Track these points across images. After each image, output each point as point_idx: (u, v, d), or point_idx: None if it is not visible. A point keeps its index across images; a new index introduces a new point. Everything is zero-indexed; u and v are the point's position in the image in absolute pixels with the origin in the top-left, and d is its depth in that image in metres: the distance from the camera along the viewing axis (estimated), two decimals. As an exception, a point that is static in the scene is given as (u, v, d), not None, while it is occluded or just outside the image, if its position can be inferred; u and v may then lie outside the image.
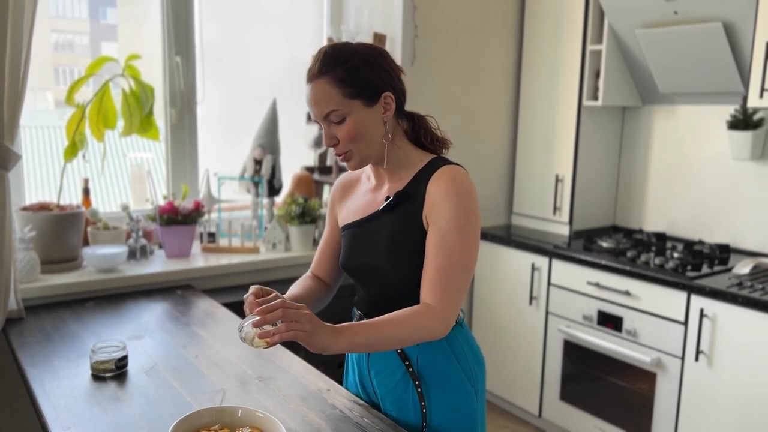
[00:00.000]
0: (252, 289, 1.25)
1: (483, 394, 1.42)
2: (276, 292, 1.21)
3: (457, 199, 1.26)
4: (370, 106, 1.28)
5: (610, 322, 2.64)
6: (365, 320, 1.24)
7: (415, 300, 1.30)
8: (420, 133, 1.38)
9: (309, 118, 2.96)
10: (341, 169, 2.89)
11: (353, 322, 1.22)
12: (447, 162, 1.33)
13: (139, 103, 2.35)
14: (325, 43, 3.00)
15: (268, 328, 1.11)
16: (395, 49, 2.86)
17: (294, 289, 1.46)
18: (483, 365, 1.43)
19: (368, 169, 1.43)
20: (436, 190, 1.28)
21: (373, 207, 1.38)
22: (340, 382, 1.57)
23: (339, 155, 1.32)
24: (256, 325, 1.11)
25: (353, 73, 1.25)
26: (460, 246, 1.25)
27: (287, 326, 1.10)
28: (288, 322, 1.11)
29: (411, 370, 1.35)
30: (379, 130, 1.30)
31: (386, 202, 1.33)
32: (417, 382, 1.35)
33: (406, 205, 1.32)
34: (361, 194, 1.44)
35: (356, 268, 1.40)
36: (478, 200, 1.31)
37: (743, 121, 2.66)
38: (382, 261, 1.33)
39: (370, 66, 1.27)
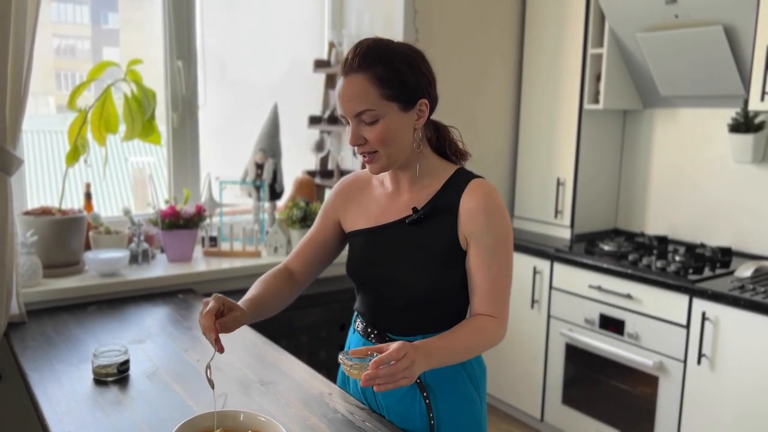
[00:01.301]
0: (212, 303, 1.21)
1: (485, 399, 1.41)
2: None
3: (498, 214, 1.27)
4: (406, 111, 1.25)
5: (612, 325, 2.64)
6: (442, 335, 1.24)
7: (420, 312, 1.30)
8: (444, 143, 1.37)
9: (310, 121, 2.96)
10: (342, 173, 2.89)
11: (434, 340, 1.22)
12: (472, 174, 1.32)
13: (141, 108, 2.35)
14: (326, 47, 3.01)
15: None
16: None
17: (258, 289, 1.37)
18: (485, 370, 1.43)
19: (383, 174, 1.39)
20: (475, 206, 1.27)
21: (392, 214, 1.34)
22: (338, 373, 1.56)
23: (363, 155, 1.27)
24: (365, 377, 1.10)
25: (395, 74, 1.21)
26: (506, 258, 1.29)
27: (395, 382, 1.10)
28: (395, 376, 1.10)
29: (419, 380, 1.33)
30: (409, 136, 1.27)
31: (416, 214, 1.30)
32: (425, 394, 1.33)
33: (437, 217, 1.29)
34: (373, 199, 1.40)
35: (369, 276, 1.36)
36: None
37: (744, 124, 2.66)
38: (401, 271, 1.31)
39: (412, 69, 1.24)
